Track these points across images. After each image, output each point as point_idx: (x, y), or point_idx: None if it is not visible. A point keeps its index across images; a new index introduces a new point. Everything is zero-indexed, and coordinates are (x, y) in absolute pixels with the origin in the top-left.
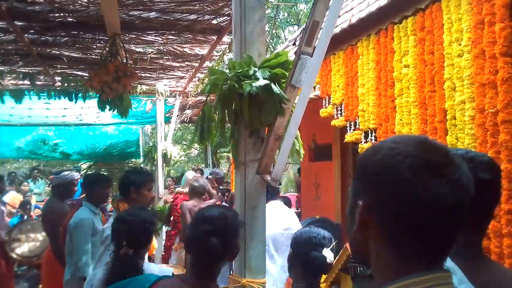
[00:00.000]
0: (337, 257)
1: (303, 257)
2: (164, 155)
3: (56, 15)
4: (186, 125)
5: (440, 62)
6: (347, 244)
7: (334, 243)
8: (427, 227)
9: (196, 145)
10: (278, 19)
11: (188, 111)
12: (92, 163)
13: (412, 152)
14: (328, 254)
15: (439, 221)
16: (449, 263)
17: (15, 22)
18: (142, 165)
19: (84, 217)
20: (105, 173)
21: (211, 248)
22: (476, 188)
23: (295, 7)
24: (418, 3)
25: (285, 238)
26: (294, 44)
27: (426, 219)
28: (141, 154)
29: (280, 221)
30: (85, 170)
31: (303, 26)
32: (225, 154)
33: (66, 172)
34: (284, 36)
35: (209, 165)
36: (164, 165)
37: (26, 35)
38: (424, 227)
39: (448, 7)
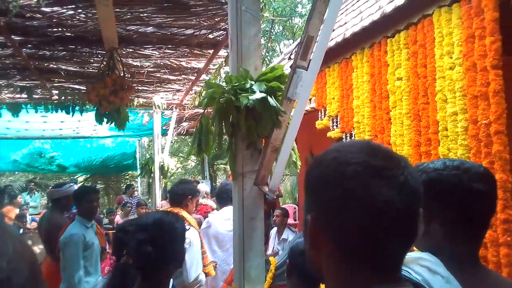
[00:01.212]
0: None
1: (299, 267)
2: (161, 167)
3: (54, 29)
4: (183, 137)
5: (433, 74)
6: None
7: None
8: (377, 237)
9: (193, 157)
10: (274, 33)
11: (184, 124)
12: (88, 175)
13: (354, 159)
14: None
15: (390, 228)
16: (444, 272)
17: (13, 36)
18: (139, 177)
19: (74, 232)
20: (91, 186)
21: (146, 257)
22: (472, 198)
23: (290, 21)
24: (410, 17)
25: (229, 238)
26: (289, 58)
27: (376, 228)
28: (138, 166)
29: (227, 224)
30: (81, 183)
31: (298, 39)
32: (222, 166)
33: (68, 185)
34: (280, 49)
35: (206, 177)
36: (162, 177)
37: (24, 49)
38: (374, 237)
39: (439, 21)
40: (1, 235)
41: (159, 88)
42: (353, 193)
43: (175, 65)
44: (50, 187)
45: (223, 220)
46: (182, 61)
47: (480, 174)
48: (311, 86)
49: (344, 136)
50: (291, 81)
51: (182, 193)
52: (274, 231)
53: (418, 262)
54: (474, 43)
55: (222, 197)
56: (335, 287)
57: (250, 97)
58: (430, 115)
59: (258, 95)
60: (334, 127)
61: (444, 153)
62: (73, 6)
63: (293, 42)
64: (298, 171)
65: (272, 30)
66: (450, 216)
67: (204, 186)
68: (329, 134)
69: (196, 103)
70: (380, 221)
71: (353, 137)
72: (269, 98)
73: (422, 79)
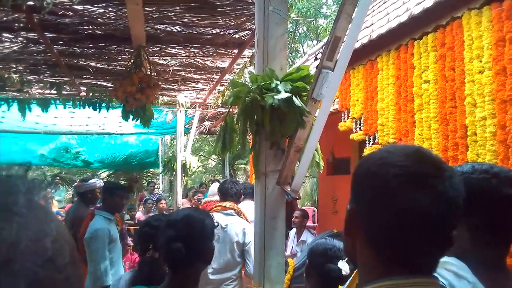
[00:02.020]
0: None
1: (319, 268)
2: (183, 165)
3: (85, 27)
4: (204, 136)
5: (461, 78)
6: None
7: None
8: (407, 236)
9: (213, 157)
10: (297, 34)
11: (207, 123)
12: (112, 171)
13: (400, 162)
14: (343, 266)
15: (420, 231)
16: (471, 278)
17: (46, 33)
18: (161, 175)
19: (99, 227)
20: (124, 183)
21: (174, 253)
22: (500, 203)
23: (314, 22)
24: (439, 19)
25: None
26: (315, 58)
27: (406, 228)
28: (160, 164)
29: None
30: (105, 179)
31: (323, 40)
32: (242, 165)
33: (94, 179)
34: (303, 50)
35: (226, 176)
36: (183, 175)
37: (55, 46)
38: (404, 236)
39: (468, 24)
40: (45, 217)
41: (183, 87)
42: (389, 193)
43: (200, 64)
44: (76, 181)
45: (251, 210)
46: (207, 61)
47: (510, 179)
48: (336, 87)
49: (367, 139)
50: (316, 82)
51: (238, 192)
52: (293, 232)
53: (445, 266)
54: (505, 47)
55: (247, 193)
56: (364, 274)
57: (275, 97)
58: (457, 119)
59: (283, 94)
60: (357, 129)
61: (473, 158)
62: (104, 4)
63: (317, 43)
64: (321, 171)
65: (296, 31)
66: (477, 220)
67: (216, 185)
68: (352, 136)
69: (219, 102)
70: (409, 224)
71: (376, 140)
72: (294, 98)
73: (450, 83)
